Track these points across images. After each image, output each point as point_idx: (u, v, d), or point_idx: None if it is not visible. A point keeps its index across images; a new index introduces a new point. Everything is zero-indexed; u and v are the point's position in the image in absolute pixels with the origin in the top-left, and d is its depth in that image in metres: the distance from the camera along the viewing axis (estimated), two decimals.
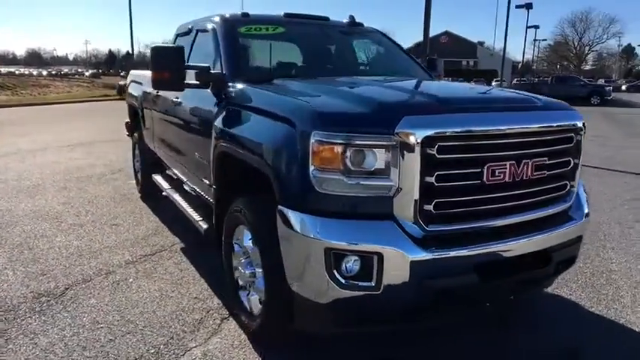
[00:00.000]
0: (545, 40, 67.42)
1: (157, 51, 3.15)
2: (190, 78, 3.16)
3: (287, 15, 3.89)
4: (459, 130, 2.12)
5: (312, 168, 2.12)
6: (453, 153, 2.13)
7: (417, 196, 2.10)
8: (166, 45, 3.26)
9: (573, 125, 2.49)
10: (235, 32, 3.45)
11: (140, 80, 5.40)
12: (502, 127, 2.22)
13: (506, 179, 2.26)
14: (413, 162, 2.06)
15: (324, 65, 3.73)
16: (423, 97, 2.38)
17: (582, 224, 2.63)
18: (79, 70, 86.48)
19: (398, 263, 2.07)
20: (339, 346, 2.72)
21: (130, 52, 37.02)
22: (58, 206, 5.48)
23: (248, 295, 2.81)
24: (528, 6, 37.50)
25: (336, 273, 2.11)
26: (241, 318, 2.85)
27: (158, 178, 5.00)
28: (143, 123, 5.28)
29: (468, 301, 2.33)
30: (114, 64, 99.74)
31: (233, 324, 2.96)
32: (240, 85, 2.94)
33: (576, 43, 70.71)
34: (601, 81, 59.87)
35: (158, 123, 4.61)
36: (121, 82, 35.07)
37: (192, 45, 3.99)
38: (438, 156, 2.09)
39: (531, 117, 2.37)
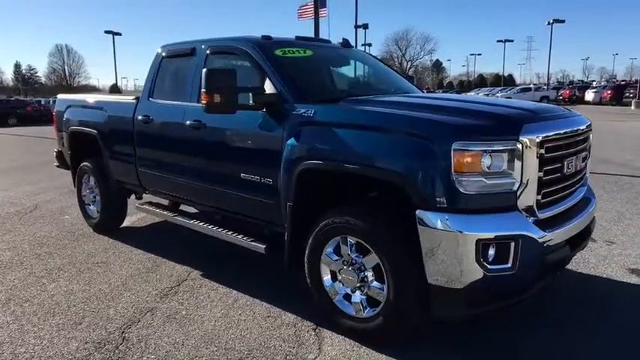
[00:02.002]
0: (376, 56, 74.90)
1: (211, 74, 3.15)
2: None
3: (298, 38, 4.10)
4: (557, 132, 2.70)
5: (453, 174, 2.48)
6: (553, 152, 2.69)
7: (534, 188, 2.60)
8: (220, 68, 3.23)
9: (589, 127, 3.25)
10: (275, 55, 3.57)
11: (101, 106, 4.96)
12: (574, 129, 2.86)
13: (572, 170, 2.91)
14: (532, 161, 2.56)
15: (362, 85, 4.03)
16: (522, 110, 2.88)
17: (596, 203, 3.41)
18: None
19: (529, 245, 2.54)
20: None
21: None
22: (6, 252, 4.74)
23: (351, 300, 3.00)
24: (365, 26, 41.56)
25: (482, 260, 2.49)
26: (346, 323, 3.01)
27: (148, 207, 4.69)
28: (109, 151, 4.87)
29: (559, 269, 2.91)
30: None
31: (328, 332, 3.09)
32: (318, 106, 3.11)
33: (400, 59, 79.87)
34: (425, 91, 68.79)
35: (152, 148, 4.36)
36: None
37: (203, 67, 3.92)
38: (546, 155, 2.63)
39: (576, 122, 3.05)
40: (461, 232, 2.46)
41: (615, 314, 3.32)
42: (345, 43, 4.51)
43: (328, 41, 4.35)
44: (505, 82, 72.82)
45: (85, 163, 5.32)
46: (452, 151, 2.47)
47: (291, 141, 3.12)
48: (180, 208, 4.83)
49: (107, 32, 40.81)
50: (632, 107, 29.91)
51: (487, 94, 45.21)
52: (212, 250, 4.68)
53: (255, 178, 3.43)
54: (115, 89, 55.67)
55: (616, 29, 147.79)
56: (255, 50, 3.58)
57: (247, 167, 3.48)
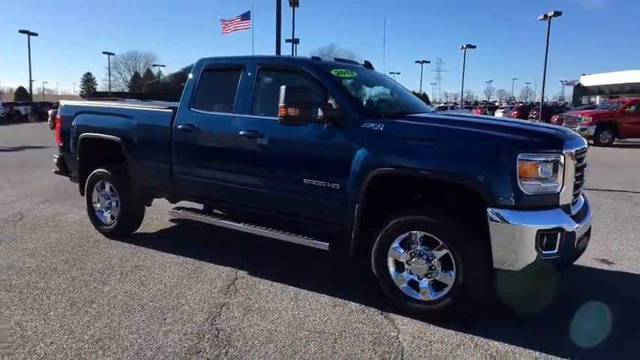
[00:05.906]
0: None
1: (290, 90, 3.58)
2: None
3: (337, 59, 4.60)
4: (579, 147, 3.47)
5: (519, 179, 3.13)
6: (580, 162, 3.45)
7: (570, 190, 3.33)
8: (298, 85, 3.64)
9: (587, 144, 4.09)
10: (333, 75, 4.04)
11: (128, 114, 5.08)
12: (584, 146, 3.66)
13: (586, 177, 3.71)
14: (570, 169, 3.30)
15: (402, 103, 4.60)
16: (558, 130, 3.63)
17: (591, 206, 4.25)
18: None
19: (570, 234, 3.25)
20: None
21: None
22: (29, 260, 4.67)
23: (418, 287, 3.53)
24: (296, 41, 42.51)
25: (539, 247, 3.15)
26: (412, 306, 3.53)
27: (184, 213, 4.87)
28: (135, 158, 4.99)
29: (580, 255, 3.67)
30: None
31: (395, 315, 3.58)
32: (386, 121, 3.63)
33: None
34: None
35: (196, 156, 4.59)
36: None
37: (255, 82, 4.29)
38: (577, 164, 3.38)
39: (583, 140, 3.84)
40: (525, 225, 3.11)
41: (602, 289, 4.18)
42: (367, 65, 5.09)
43: (357, 63, 4.89)
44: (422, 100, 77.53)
45: (100, 170, 5.34)
46: (517, 161, 3.12)
47: (362, 151, 3.61)
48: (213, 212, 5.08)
49: (22, 32, 37.83)
50: None
51: None
52: (243, 250, 4.98)
53: (320, 183, 3.85)
54: (22, 92, 51.52)
55: (517, 56, 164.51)
56: (314, 70, 4.02)
57: (311, 173, 3.89)
